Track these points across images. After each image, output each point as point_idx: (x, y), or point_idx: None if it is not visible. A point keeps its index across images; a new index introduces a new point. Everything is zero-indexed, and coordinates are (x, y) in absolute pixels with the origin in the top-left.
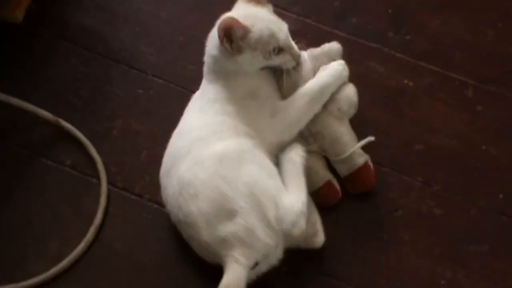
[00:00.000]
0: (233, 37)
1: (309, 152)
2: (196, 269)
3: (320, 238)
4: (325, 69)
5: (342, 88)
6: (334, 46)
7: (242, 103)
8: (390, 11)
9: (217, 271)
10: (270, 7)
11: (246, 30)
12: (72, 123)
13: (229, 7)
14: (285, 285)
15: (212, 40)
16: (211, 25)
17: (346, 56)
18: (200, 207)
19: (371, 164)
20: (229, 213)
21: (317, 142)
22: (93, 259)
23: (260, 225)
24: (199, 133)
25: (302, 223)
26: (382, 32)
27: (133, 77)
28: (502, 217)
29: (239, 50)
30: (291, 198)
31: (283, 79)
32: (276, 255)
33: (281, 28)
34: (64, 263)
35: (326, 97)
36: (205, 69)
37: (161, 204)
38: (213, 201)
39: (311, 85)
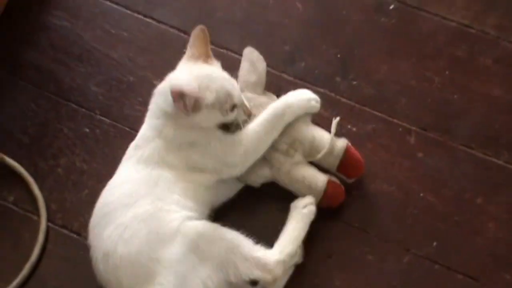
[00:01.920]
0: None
1: (295, 164)
2: None
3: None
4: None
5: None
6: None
7: (187, 152)
8: (339, 55)
9: None
10: (219, 64)
11: (198, 101)
12: (18, 159)
13: (180, 50)
14: None
15: (164, 96)
16: (162, 67)
17: None
18: (119, 281)
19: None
20: (148, 284)
21: (298, 150)
22: None
23: None
24: (128, 189)
25: (278, 271)
26: (330, 77)
27: (82, 116)
28: (435, 265)
29: (194, 110)
30: (270, 250)
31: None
32: None
33: (234, 86)
34: None
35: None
36: (151, 116)
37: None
38: (131, 274)
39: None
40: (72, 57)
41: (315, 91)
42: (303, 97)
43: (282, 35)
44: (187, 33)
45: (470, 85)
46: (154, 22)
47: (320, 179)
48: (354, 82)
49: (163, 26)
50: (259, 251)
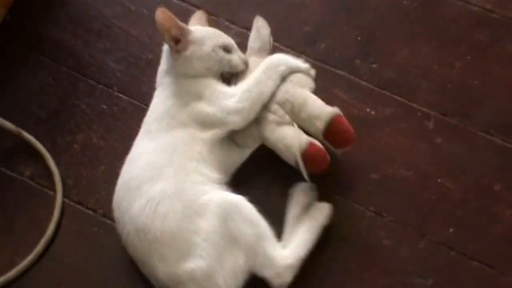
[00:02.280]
0: (175, 34)
1: (281, 123)
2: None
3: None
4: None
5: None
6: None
7: (194, 106)
8: (359, 38)
9: None
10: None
11: (183, 30)
12: (35, 135)
13: None
14: None
15: (164, 53)
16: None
17: None
18: (160, 254)
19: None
20: (192, 257)
21: (287, 111)
22: (41, 271)
23: (223, 273)
24: (149, 160)
25: (287, 277)
26: (350, 59)
27: (100, 92)
28: (451, 252)
29: (184, 47)
30: (284, 250)
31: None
32: None
33: (227, 37)
34: (12, 273)
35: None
36: (158, 86)
37: (114, 220)
38: (176, 250)
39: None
40: (91, 33)
41: (334, 74)
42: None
43: (302, 16)
44: (208, 12)
45: (491, 70)
46: (174, 0)
47: (302, 138)
48: (374, 65)
49: (183, 4)
50: (276, 251)
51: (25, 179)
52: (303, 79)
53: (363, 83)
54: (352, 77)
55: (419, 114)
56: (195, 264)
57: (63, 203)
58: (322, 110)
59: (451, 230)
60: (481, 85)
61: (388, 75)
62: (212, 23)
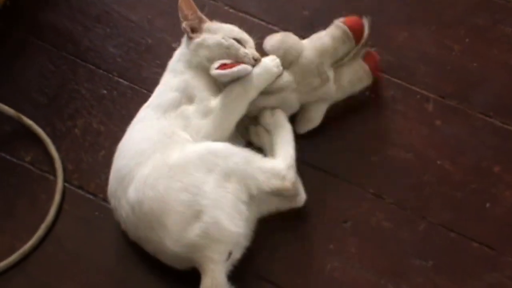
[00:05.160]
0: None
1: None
2: (145, 270)
3: (302, 196)
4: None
5: None
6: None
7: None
8: None
9: (168, 273)
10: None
11: (200, 18)
12: (35, 120)
13: (201, 11)
14: None
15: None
16: (180, 30)
17: None
18: (160, 223)
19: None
20: (192, 217)
21: (326, 68)
22: (42, 255)
23: (227, 215)
24: (139, 147)
25: (291, 175)
26: None
27: (99, 77)
28: (450, 233)
29: (198, 36)
30: (275, 158)
31: None
32: (246, 237)
33: (246, 35)
34: (13, 258)
35: (252, 93)
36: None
37: (112, 208)
38: (174, 214)
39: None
40: (90, 18)
41: None
42: (262, 70)
43: (301, 0)
44: None
45: (489, 53)
46: None
47: (357, 66)
48: (373, 49)
49: None
50: (269, 162)
51: (26, 164)
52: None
53: None
54: None
55: (418, 96)
56: (199, 222)
57: (64, 188)
58: (339, 30)
59: (450, 212)
60: (480, 68)
61: (387, 58)
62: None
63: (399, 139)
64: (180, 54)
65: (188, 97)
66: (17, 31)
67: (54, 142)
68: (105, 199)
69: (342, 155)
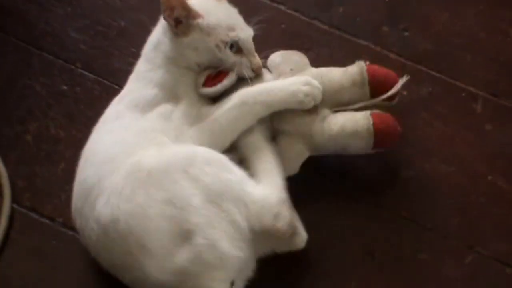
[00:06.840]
0: (178, 16)
1: (325, 118)
2: None
3: (301, 237)
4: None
5: None
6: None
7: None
8: (387, 0)
9: None
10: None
11: (189, 11)
12: None
13: None
14: None
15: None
16: (160, 9)
17: (327, 54)
18: (140, 245)
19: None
20: (182, 237)
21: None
22: None
23: (224, 236)
24: (111, 152)
25: (285, 212)
26: (375, 26)
27: (58, 69)
28: (506, 268)
29: (185, 32)
30: (264, 188)
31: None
32: (251, 266)
33: (244, 29)
34: None
35: (266, 112)
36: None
37: (77, 230)
38: (157, 232)
39: (251, 92)
40: None
41: (355, 44)
42: (288, 89)
43: None
44: None
45: None
46: None
47: (360, 116)
48: (406, 33)
49: None
50: (260, 189)
51: None
52: None
53: (392, 55)
54: (378, 48)
55: (464, 94)
56: (189, 243)
57: (12, 210)
58: (352, 74)
59: (506, 241)
60: None
61: (423, 46)
62: None
63: (439, 149)
64: (158, 43)
65: (170, 96)
66: None
67: (1, 153)
68: (66, 224)
69: (367, 169)
